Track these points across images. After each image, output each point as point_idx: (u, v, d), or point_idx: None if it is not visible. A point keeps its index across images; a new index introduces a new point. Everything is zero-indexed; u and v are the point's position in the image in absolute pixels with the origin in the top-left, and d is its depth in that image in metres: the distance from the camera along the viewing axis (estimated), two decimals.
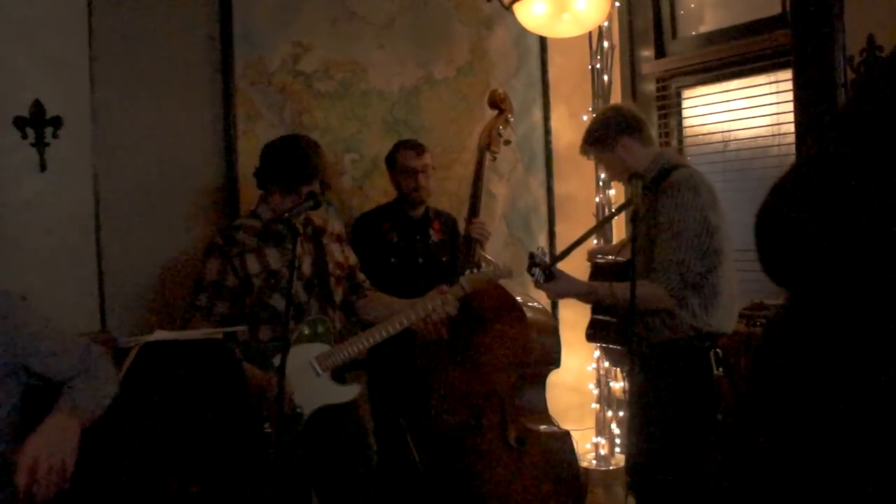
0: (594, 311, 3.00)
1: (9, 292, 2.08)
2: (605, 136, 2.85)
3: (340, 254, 3.02)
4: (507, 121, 3.42)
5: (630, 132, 2.83)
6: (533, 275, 2.74)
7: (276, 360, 2.61)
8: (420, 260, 3.48)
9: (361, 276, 3.09)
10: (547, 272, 2.74)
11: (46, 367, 2.07)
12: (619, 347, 3.03)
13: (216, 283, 2.73)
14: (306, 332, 2.76)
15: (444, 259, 3.52)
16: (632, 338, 2.58)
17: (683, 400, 2.71)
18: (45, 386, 2.09)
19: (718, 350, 2.74)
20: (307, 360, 2.73)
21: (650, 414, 2.77)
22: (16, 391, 2.07)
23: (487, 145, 3.38)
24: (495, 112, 3.44)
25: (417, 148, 3.43)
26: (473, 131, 3.52)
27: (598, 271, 3.06)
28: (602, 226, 2.96)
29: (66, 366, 2.08)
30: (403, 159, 3.43)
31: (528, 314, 3.18)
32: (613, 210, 2.73)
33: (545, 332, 3.21)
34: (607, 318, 2.93)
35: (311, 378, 2.73)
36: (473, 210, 3.33)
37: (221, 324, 2.71)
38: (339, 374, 2.83)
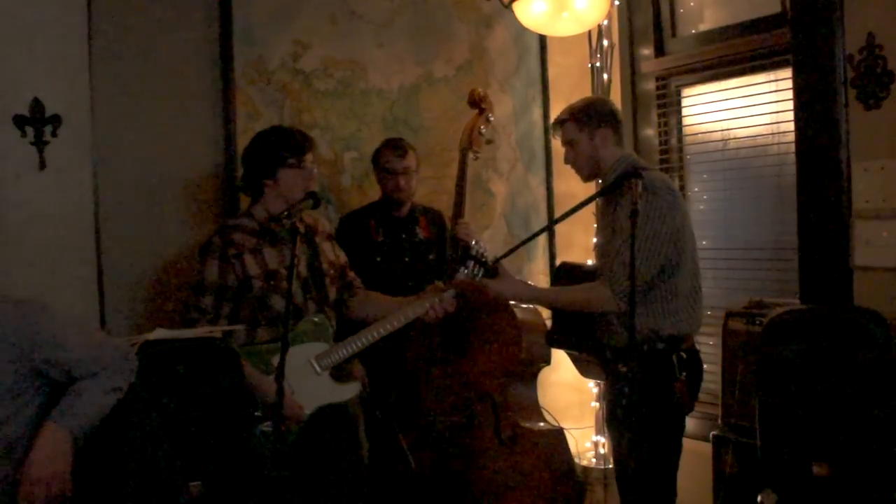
0: (555, 315, 3.02)
1: (30, 301, 2.10)
2: (590, 118, 2.86)
3: (332, 253, 3.02)
4: (487, 120, 3.39)
5: (611, 126, 2.87)
6: (466, 267, 2.74)
7: (275, 361, 2.61)
8: (406, 258, 3.48)
9: (352, 275, 3.09)
10: (490, 269, 2.74)
11: (63, 374, 2.09)
12: (579, 354, 3.03)
13: (219, 284, 2.71)
14: (304, 331, 2.75)
15: (430, 257, 3.52)
16: (632, 342, 2.47)
17: (648, 404, 2.61)
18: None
19: (683, 353, 2.70)
20: (306, 360, 2.73)
21: (620, 418, 2.77)
22: (35, 399, 2.08)
23: (469, 145, 3.35)
24: (475, 111, 3.41)
25: (400, 149, 3.42)
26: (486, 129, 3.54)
27: (561, 274, 3.08)
28: (554, 224, 2.93)
29: (82, 371, 2.10)
30: (385, 160, 3.43)
31: (518, 313, 3.20)
32: (574, 206, 2.73)
33: (535, 329, 3.23)
34: (570, 324, 2.93)
35: (311, 377, 2.73)
36: (459, 211, 3.31)
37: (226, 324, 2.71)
38: (339, 373, 2.83)
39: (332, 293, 2.94)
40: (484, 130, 3.37)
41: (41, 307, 2.11)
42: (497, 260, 2.80)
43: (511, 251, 2.93)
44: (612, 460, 2.98)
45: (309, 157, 2.83)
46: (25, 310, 2.07)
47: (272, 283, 2.74)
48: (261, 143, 2.86)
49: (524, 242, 2.92)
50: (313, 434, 2.73)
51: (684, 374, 2.67)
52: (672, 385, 2.66)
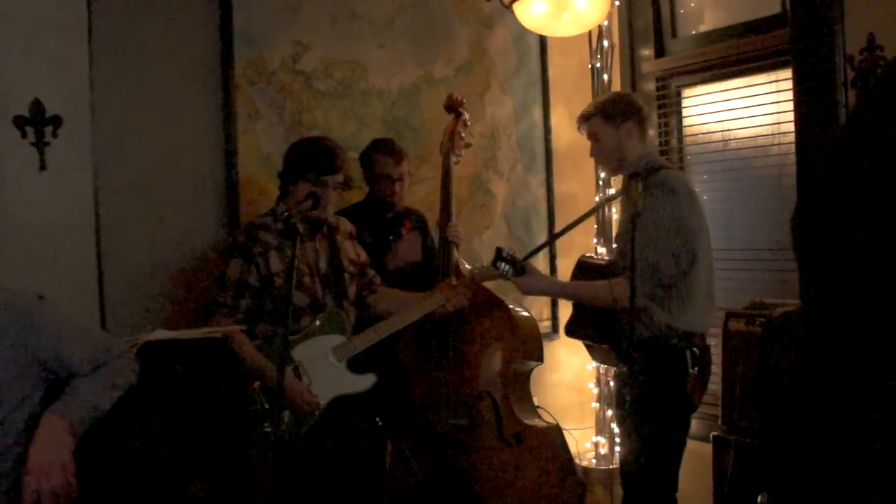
0: (575, 306, 3.04)
1: (26, 292, 2.10)
2: (616, 112, 2.89)
3: (353, 251, 3.11)
4: (465, 123, 3.41)
5: (637, 121, 2.91)
6: (498, 268, 2.80)
7: (296, 354, 2.77)
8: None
9: (372, 273, 3.17)
10: (518, 267, 2.80)
11: (63, 366, 2.09)
12: (596, 344, 3.05)
13: (240, 281, 2.80)
14: (322, 324, 2.85)
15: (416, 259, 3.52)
16: (631, 337, 2.56)
17: (660, 398, 2.71)
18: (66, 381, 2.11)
19: (695, 349, 2.74)
20: (324, 352, 2.82)
21: (632, 412, 2.78)
22: (36, 390, 2.08)
23: (452, 148, 3.36)
24: (452, 115, 3.42)
25: (396, 154, 3.41)
26: (473, 131, 3.53)
27: (581, 269, 3.09)
28: (575, 225, 2.97)
29: (82, 365, 2.10)
30: (381, 165, 3.41)
31: (511, 312, 3.22)
32: (590, 209, 2.79)
33: (528, 328, 3.25)
34: (588, 316, 2.96)
35: (328, 368, 2.81)
36: (447, 213, 3.32)
37: (243, 321, 2.78)
38: (355, 365, 2.89)
39: (352, 290, 3.04)
40: (464, 134, 3.39)
41: (38, 298, 2.11)
42: (525, 258, 2.89)
43: (536, 251, 3.13)
44: (618, 454, 3.02)
45: (335, 178, 2.88)
46: (22, 299, 2.07)
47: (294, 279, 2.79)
48: (296, 149, 2.96)
49: (547, 243, 2.98)
50: (329, 423, 2.79)
51: (696, 369, 2.72)
52: (684, 380, 2.70)
